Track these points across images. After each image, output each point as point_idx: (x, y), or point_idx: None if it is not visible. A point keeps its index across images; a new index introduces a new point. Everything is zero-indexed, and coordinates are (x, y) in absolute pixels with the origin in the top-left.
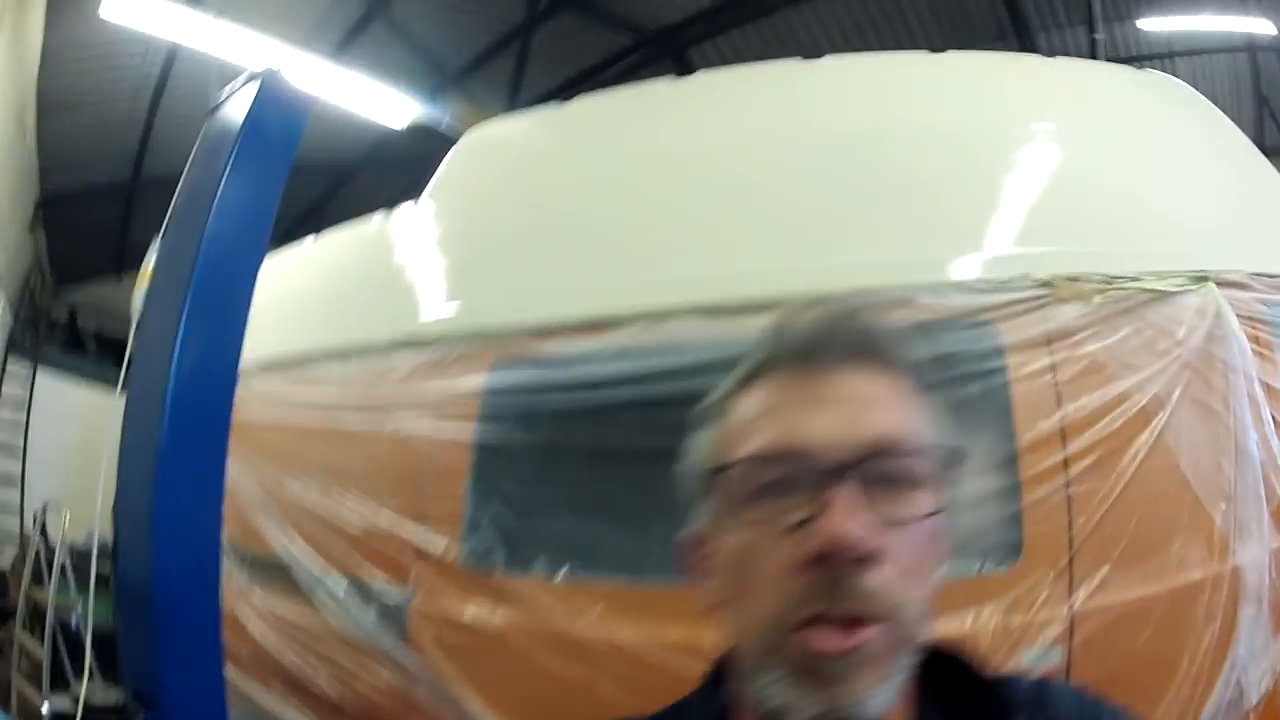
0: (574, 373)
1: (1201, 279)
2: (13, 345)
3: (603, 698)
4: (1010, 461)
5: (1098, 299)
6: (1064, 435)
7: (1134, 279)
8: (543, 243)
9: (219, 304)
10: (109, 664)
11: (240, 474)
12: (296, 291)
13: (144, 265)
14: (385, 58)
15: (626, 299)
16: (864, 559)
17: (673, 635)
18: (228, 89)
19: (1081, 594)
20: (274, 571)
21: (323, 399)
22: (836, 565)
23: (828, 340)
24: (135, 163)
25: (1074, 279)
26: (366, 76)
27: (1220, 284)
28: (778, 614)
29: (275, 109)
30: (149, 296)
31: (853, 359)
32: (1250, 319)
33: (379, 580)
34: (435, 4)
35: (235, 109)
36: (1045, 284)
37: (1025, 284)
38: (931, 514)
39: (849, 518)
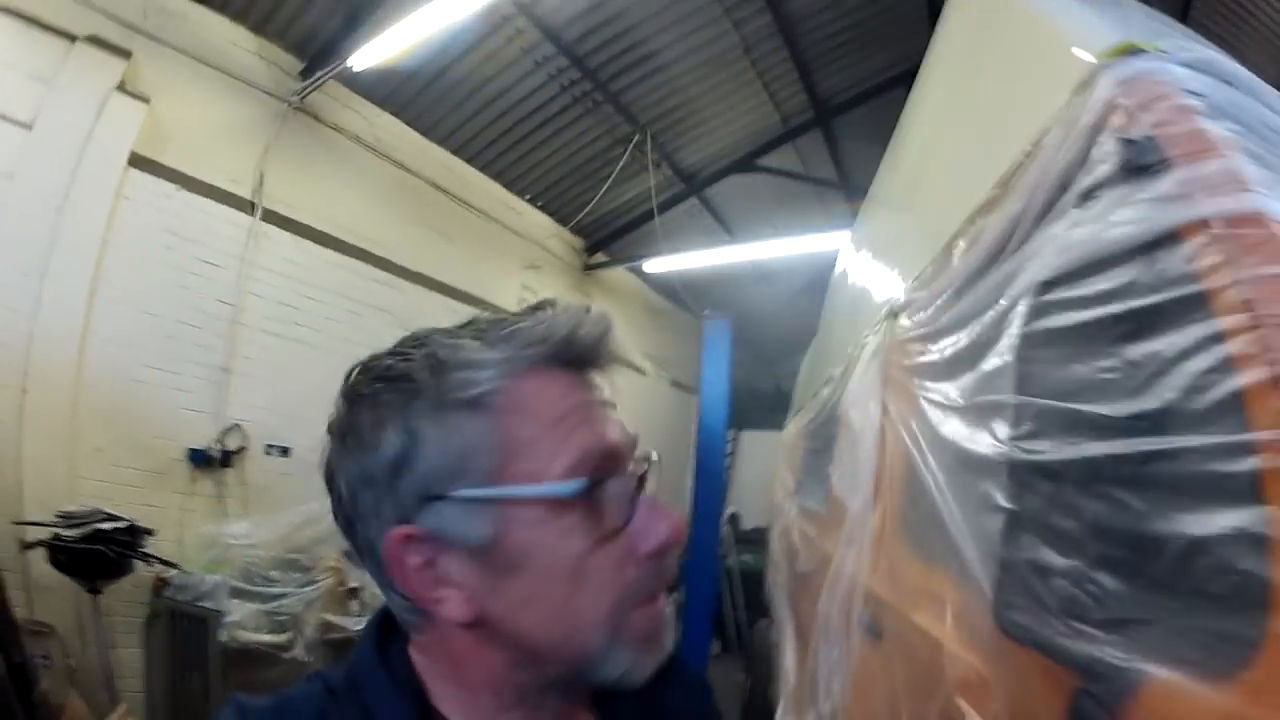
0: None
1: None
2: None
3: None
4: None
5: None
6: None
7: None
8: None
9: (713, 428)
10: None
11: None
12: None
13: None
14: None
15: None
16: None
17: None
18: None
19: None
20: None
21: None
22: (671, 553)
23: (598, 345)
24: None
25: None
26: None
27: None
28: (622, 601)
29: (716, 333)
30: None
31: (602, 365)
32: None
33: None
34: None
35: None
36: None
37: None
38: None
39: (671, 513)
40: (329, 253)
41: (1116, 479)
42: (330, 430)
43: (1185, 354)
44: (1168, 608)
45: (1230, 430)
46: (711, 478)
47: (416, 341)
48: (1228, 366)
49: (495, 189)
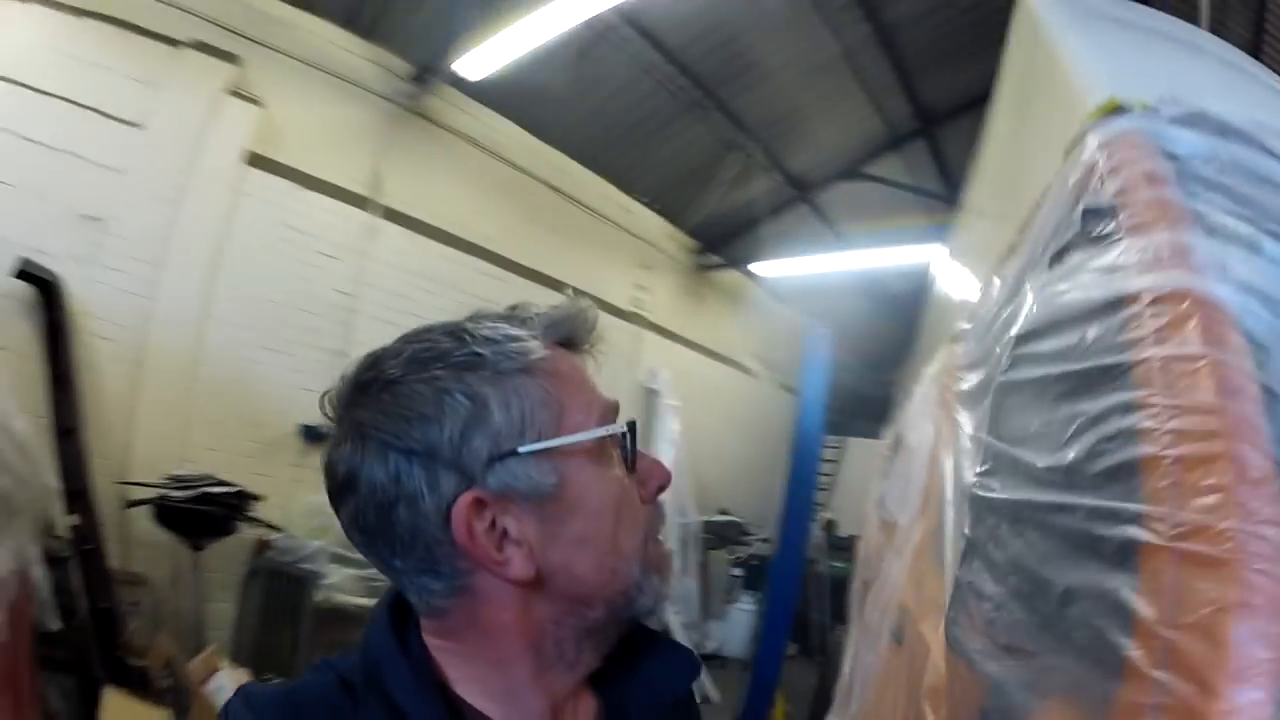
0: None
1: None
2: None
3: None
4: None
5: None
6: None
7: None
8: None
9: (808, 434)
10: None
11: None
12: None
13: None
14: None
15: None
16: None
17: None
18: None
19: None
20: None
21: None
22: (662, 492)
23: (593, 330)
24: None
25: None
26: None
27: None
28: (644, 534)
29: (817, 347)
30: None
31: (590, 348)
32: None
33: None
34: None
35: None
36: None
37: None
38: None
39: (661, 460)
40: (443, 247)
41: (1032, 523)
42: (355, 422)
43: (1100, 419)
44: (1048, 647)
45: (1118, 497)
46: (802, 484)
47: (434, 331)
48: (1130, 438)
49: (607, 189)
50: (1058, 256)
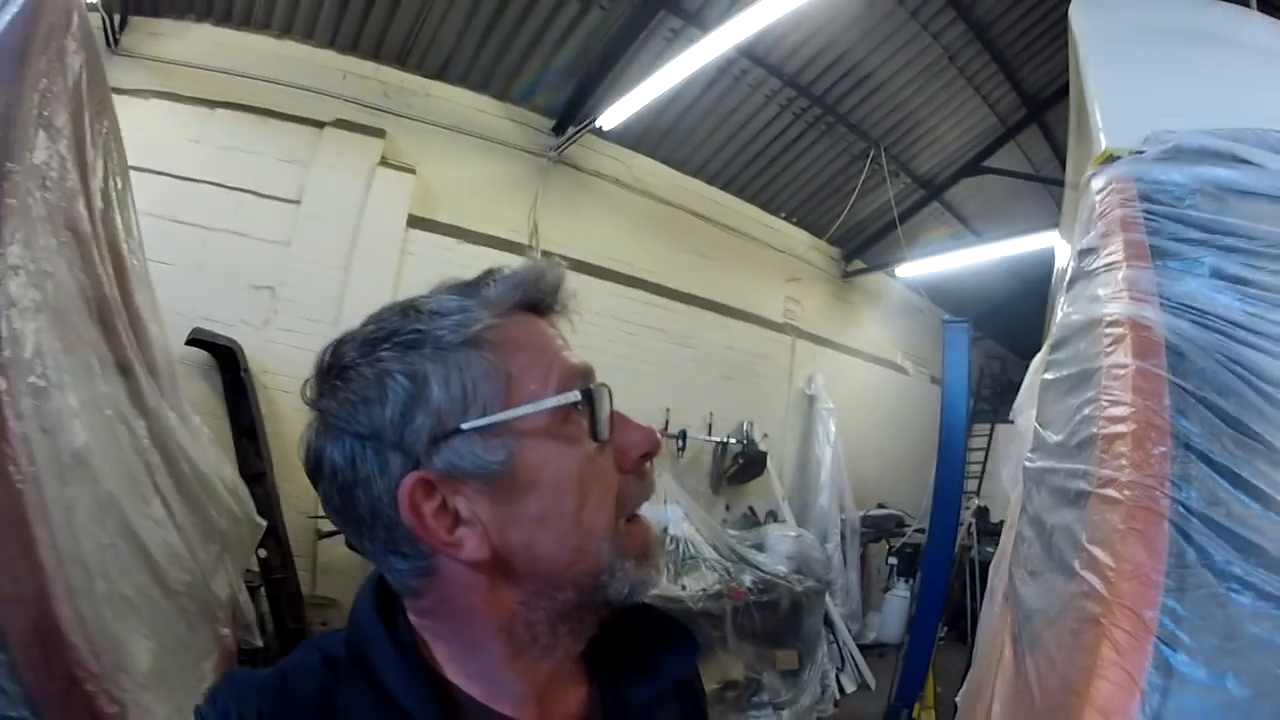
0: None
1: None
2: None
3: None
4: None
5: None
6: None
7: None
8: None
9: (954, 424)
10: None
11: None
12: None
13: None
14: None
15: None
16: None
17: None
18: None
19: None
20: None
21: None
22: (650, 461)
23: (559, 290)
24: None
25: None
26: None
27: None
28: (616, 512)
29: (956, 337)
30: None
31: (561, 309)
32: None
33: None
34: None
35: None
36: None
37: None
38: None
39: (645, 425)
40: (604, 283)
41: (1044, 483)
42: (318, 409)
43: (1079, 409)
44: (1046, 568)
45: (1081, 462)
46: (951, 470)
47: (390, 310)
48: (1090, 422)
49: (752, 211)
50: (1071, 283)
